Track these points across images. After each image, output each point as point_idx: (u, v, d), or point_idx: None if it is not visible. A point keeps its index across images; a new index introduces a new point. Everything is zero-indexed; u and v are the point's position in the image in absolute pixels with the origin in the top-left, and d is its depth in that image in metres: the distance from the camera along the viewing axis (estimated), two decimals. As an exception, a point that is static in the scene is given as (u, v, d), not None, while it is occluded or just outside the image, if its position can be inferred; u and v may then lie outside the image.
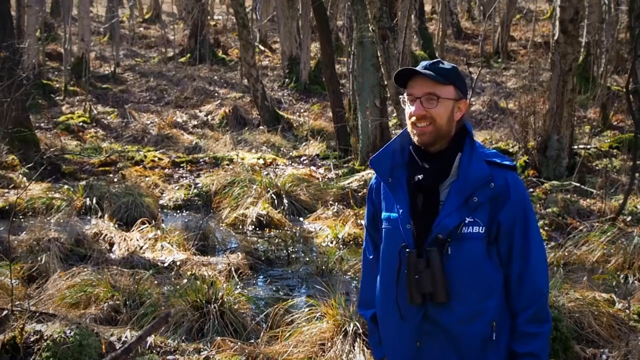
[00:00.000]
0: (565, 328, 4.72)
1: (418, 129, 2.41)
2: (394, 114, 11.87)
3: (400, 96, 2.50)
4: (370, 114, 10.80)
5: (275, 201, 9.19)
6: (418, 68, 2.43)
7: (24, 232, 7.34)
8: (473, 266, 2.36)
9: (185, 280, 5.97)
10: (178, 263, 6.82)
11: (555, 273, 6.20)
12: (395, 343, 2.52)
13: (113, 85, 19.09)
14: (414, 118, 2.41)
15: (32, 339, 4.45)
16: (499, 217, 2.37)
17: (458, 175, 2.40)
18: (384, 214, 2.51)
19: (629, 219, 7.97)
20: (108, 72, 20.64)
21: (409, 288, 2.38)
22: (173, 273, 6.58)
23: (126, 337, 4.70)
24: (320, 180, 10.71)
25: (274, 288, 6.61)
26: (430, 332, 2.40)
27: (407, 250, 2.39)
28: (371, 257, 2.65)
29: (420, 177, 2.42)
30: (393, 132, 12.14)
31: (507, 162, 2.44)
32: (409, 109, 2.44)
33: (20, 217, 8.62)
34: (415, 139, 2.44)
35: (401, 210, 2.43)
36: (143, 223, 7.83)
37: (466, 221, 2.35)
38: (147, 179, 10.67)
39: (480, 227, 2.36)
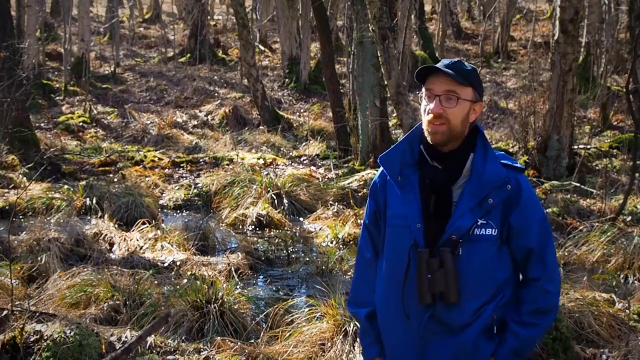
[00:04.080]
0: (565, 328, 4.72)
1: (433, 127, 2.38)
2: (394, 114, 11.86)
3: (419, 92, 2.50)
4: (370, 114, 10.80)
5: (275, 201, 9.19)
6: (439, 66, 2.40)
7: (24, 232, 7.33)
8: (484, 267, 2.37)
9: (185, 280, 5.97)
10: (178, 263, 6.82)
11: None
12: (398, 343, 2.49)
13: (113, 85, 19.09)
14: (430, 116, 2.38)
15: (32, 339, 4.44)
16: (510, 219, 2.38)
17: (471, 175, 2.39)
18: (390, 212, 2.48)
19: (629, 219, 7.96)
20: (108, 72, 20.64)
21: (419, 287, 2.36)
22: (173, 273, 6.58)
23: (126, 337, 4.70)
24: (320, 180, 10.70)
25: (274, 288, 6.61)
26: (436, 331, 2.40)
27: (419, 249, 2.37)
28: (369, 255, 2.60)
29: (432, 177, 2.40)
30: (393, 132, 12.15)
31: (518, 165, 2.45)
32: (426, 105, 2.42)
33: (20, 217, 8.62)
34: (428, 137, 2.42)
35: (411, 210, 2.41)
36: (143, 223, 7.82)
37: (478, 223, 2.35)
38: (147, 179, 10.66)
39: (493, 230, 2.36)
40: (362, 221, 2.99)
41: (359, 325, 2.76)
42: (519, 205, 2.38)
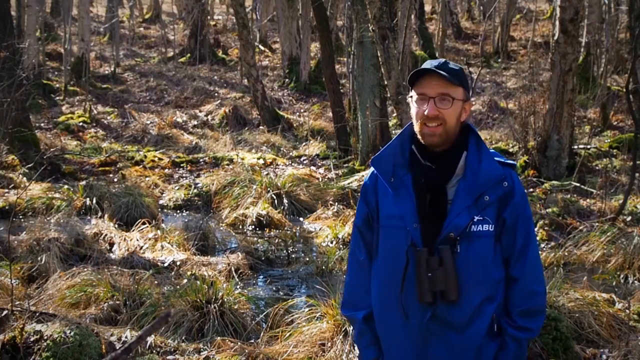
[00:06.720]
0: (565, 328, 4.72)
1: (428, 129, 2.40)
2: (394, 114, 11.86)
3: (408, 96, 2.50)
4: (370, 114, 10.80)
5: (275, 201, 9.19)
6: (429, 67, 2.41)
7: (24, 232, 7.34)
8: (481, 264, 2.38)
9: (185, 280, 5.97)
10: (178, 263, 6.82)
11: (555, 273, 6.20)
12: (398, 345, 2.48)
13: (113, 85, 19.08)
14: (425, 118, 2.40)
15: (32, 339, 4.44)
16: (504, 214, 2.40)
17: (466, 173, 2.41)
18: (383, 213, 2.49)
19: (629, 219, 7.96)
20: (108, 72, 20.64)
21: (420, 287, 2.37)
22: (173, 273, 6.58)
23: (126, 337, 4.71)
24: (320, 180, 10.71)
25: (274, 288, 6.61)
26: (437, 332, 2.40)
27: (418, 249, 2.38)
28: (362, 257, 2.58)
29: (427, 176, 2.41)
30: (393, 132, 12.14)
31: (510, 161, 2.48)
32: (418, 108, 2.42)
33: (20, 217, 8.62)
34: (423, 139, 2.43)
35: (407, 210, 2.42)
36: (143, 223, 7.83)
37: (475, 219, 2.37)
38: (147, 179, 10.67)
39: (490, 225, 2.38)
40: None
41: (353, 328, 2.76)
42: (512, 201, 2.41)
